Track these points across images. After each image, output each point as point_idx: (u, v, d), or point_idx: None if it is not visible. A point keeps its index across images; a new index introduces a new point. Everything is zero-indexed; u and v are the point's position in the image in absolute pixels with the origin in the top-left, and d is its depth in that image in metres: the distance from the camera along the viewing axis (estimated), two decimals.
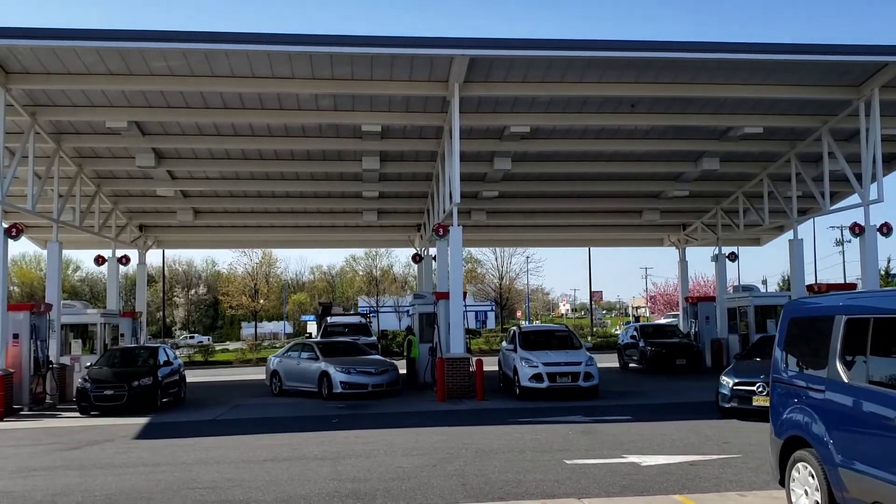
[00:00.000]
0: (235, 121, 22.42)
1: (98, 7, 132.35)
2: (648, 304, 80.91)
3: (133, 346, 26.00)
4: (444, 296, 22.10)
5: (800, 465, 7.30)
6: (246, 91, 20.27)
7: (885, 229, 21.37)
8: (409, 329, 26.75)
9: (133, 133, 22.57)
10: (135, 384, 19.00)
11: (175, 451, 13.03)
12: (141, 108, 21.37)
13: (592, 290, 71.98)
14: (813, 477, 7.04)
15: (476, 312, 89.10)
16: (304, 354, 22.61)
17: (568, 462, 10.97)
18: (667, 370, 27.44)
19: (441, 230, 21.30)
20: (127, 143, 23.52)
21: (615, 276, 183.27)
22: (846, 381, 6.79)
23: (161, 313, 65.72)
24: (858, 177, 21.46)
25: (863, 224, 21.19)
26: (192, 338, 72.71)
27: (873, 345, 6.56)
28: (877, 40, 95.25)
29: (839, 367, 6.91)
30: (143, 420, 17.43)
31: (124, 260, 31.31)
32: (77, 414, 19.02)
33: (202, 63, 18.74)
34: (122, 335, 28.14)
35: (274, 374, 23.35)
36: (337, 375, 20.71)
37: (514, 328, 23.72)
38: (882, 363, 6.54)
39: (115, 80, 19.46)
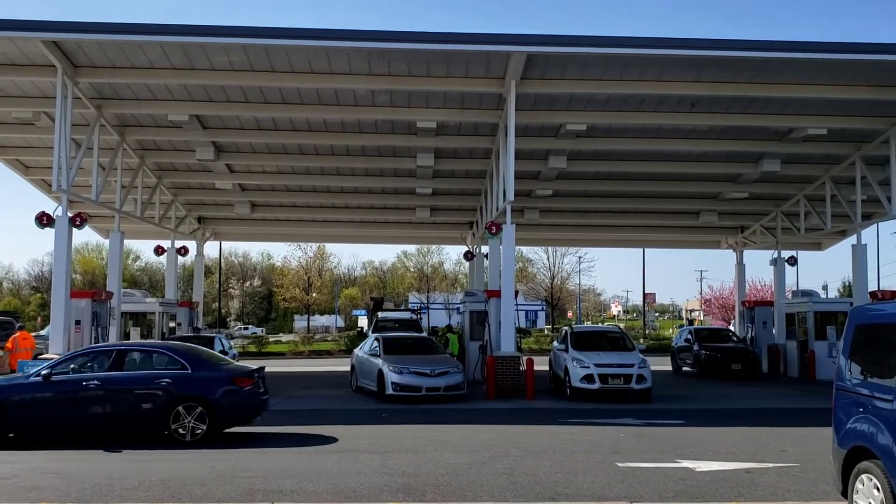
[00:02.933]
0: (293, 116, 22.71)
1: (165, 4, 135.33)
2: (703, 307, 79.49)
3: (190, 334, 26.53)
4: (496, 294, 22.04)
5: (864, 476, 7.06)
6: (304, 86, 20.50)
7: None
8: (449, 326, 26.86)
9: (194, 126, 23.03)
10: None
11: (228, 439, 13.22)
12: (202, 102, 21.79)
13: (646, 292, 70.90)
14: (878, 490, 6.80)
15: (527, 312, 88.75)
16: (374, 349, 20.66)
17: (620, 465, 10.81)
18: (721, 375, 26.88)
19: (494, 228, 21.22)
20: (188, 136, 24.01)
21: (669, 279, 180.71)
22: None
23: (217, 304, 66.92)
24: None
25: None
26: (246, 329, 73.95)
27: None
28: None
29: None
30: None
31: (183, 251, 32.00)
32: None
33: (262, 58, 19.01)
34: (179, 324, 28.78)
35: (353, 369, 21.99)
36: (390, 375, 18.69)
37: (566, 328, 23.53)
38: None
39: (178, 75, 19.87)
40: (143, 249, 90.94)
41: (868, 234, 76.85)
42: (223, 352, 21.35)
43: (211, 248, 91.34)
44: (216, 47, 18.43)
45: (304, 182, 29.09)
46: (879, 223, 35.78)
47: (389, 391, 18.58)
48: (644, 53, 18.50)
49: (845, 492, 7.46)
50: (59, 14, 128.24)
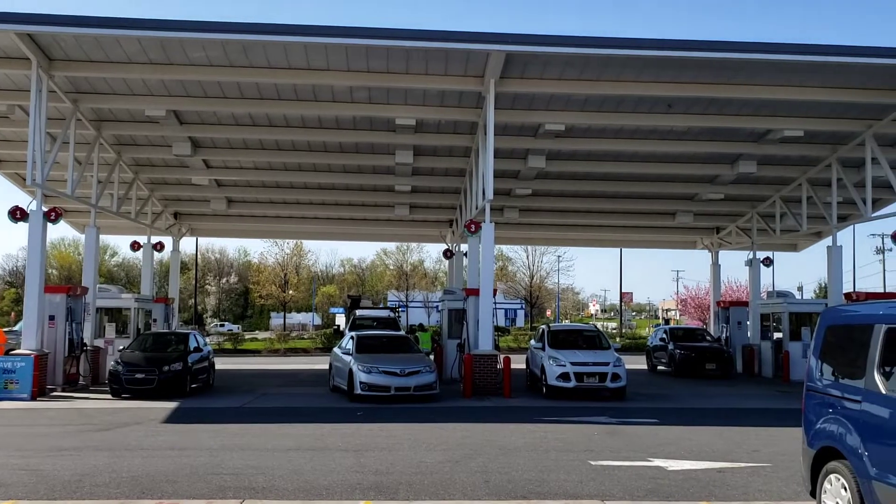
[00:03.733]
0: (270, 111, 22.56)
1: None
2: (679, 307, 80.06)
3: (165, 331, 26.32)
4: (474, 292, 22.05)
5: (832, 476, 7.13)
6: (282, 82, 20.37)
7: None
8: (421, 325, 26.99)
9: (171, 122, 22.81)
10: (165, 369, 19.23)
11: (201, 436, 13.14)
12: (179, 97, 21.58)
13: (623, 291, 71.32)
14: (846, 489, 6.87)
15: (506, 310, 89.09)
16: (347, 347, 20.32)
17: (593, 463, 10.86)
18: (696, 375, 27.10)
19: (473, 227, 21.23)
20: (164, 131, 23.79)
21: (646, 278, 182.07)
22: (884, 392, 6.61)
23: (193, 300, 66.42)
24: None
25: None
26: (222, 326, 73.50)
27: None
28: None
29: (877, 377, 6.73)
30: (171, 405, 17.62)
31: (159, 246, 31.71)
32: (109, 396, 19.31)
33: (240, 54, 18.87)
34: (155, 320, 28.53)
35: (330, 367, 21.59)
36: (359, 374, 18.28)
37: (543, 326, 23.60)
38: None
39: (155, 70, 19.67)
40: (120, 245, 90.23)
41: (844, 235, 77.86)
42: (197, 348, 21.23)
43: (188, 244, 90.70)
44: (194, 43, 18.26)
45: (281, 178, 28.93)
46: (855, 225, 36.27)
47: (358, 391, 18.22)
48: (622, 54, 18.56)
49: (814, 492, 7.53)
50: (35, 6, 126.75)
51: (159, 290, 55.13)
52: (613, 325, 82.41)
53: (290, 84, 20.61)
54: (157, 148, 25.77)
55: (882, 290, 49.23)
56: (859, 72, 19.43)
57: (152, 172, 28.32)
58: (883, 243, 62.07)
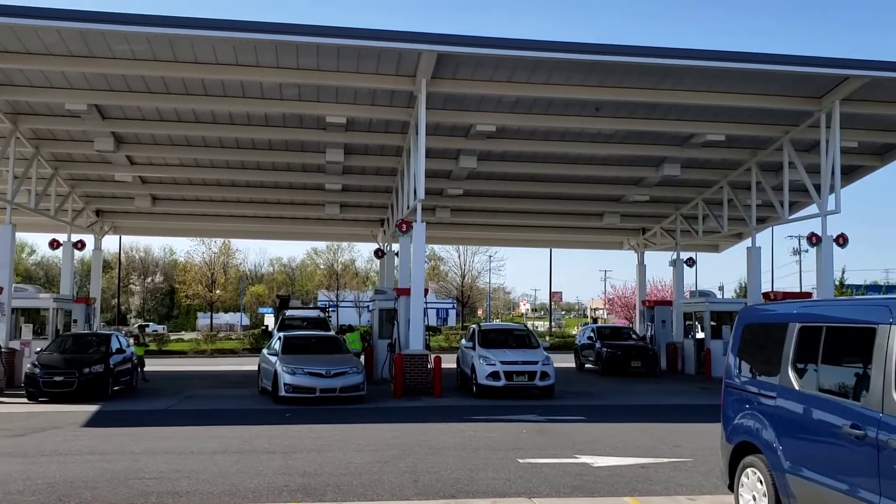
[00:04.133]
0: (197, 107, 22.06)
1: None
2: (606, 306, 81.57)
3: (85, 332, 25.49)
4: (405, 292, 22.02)
5: (749, 470, 7.37)
6: (209, 77, 19.95)
7: (842, 240, 21.81)
8: (350, 326, 26.99)
9: (93, 116, 22.07)
10: (85, 371, 18.64)
11: (123, 440, 12.78)
12: (101, 91, 20.91)
13: (552, 290, 72.27)
14: (761, 483, 7.10)
15: (437, 310, 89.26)
16: (274, 348, 20.01)
17: (521, 461, 10.97)
18: (622, 372, 27.66)
19: (404, 226, 21.20)
20: (86, 126, 23.02)
21: (575, 278, 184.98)
22: (797, 388, 6.86)
23: (116, 300, 64.52)
24: (817, 187, 21.86)
25: (820, 234, 21.60)
26: (146, 326, 71.50)
27: (825, 353, 6.64)
28: (840, 55, 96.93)
29: (791, 374, 6.98)
30: (92, 408, 17.10)
31: (80, 245, 30.66)
32: (25, 400, 18.60)
33: (165, 48, 18.40)
34: (75, 321, 27.60)
35: (259, 369, 21.18)
36: (283, 376, 17.95)
37: (474, 326, 23.75)
38: (832, 371, 6.64)
39: (76, 63, 18.99)
40: (38, 243, 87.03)
41: (763, 237, 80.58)
42: (120, 350, 20.64)
43: (111, 243, 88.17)
44: (117, 35, 17.69)
45: (208, 175, 28.33)
46: (773, 227, 37.57)
47: (282, 392, 17.88)
48: (550, 57, 18.82)
49: (732, 486, 7.76)
50: None
51: (80, 289, 53.46)
52: (544, 323, 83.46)
53: (217, 80, 20.20)
54: (79, 143, 24.90)
55: (798, 290, 51.14)
56: (779, 79, 20.16)
57: (73, 168, 27.35)
58: (800, 244, 64.37)
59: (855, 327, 6.41)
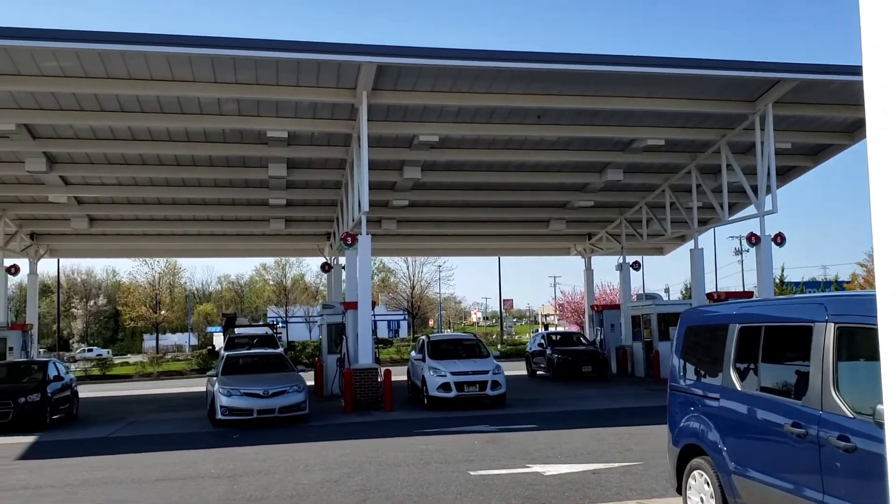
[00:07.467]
0: (133, 124, 21.52)
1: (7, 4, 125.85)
2: (557, 312, 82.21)
3: (20, 360, 24.63)
4: (353, 306, 21.75)
5: (696, 472, 7.36)
6: (144, 94, 19.46)
7: (779, 239, 22.27)
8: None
9: (22, 136, 21.39)
10: (21, 401, 17.92)
11: (60, 471, 12.29)
12: (31, 110, 20.25)
13: (503, 298, 72.64)
14: (708, 484, 7.10)
15: (388, 322, 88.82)
16: (216, 369, 19.38)
17: (472, 473, 10.85)
18: (573, 378, 27.78)
19: (349, 239, 20.99)
20: (16, 146, 22.30)
21: (526, 285, 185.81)
22: (739, 388, 6.88)
23: (56, 325, 62.67)
24: (755, 188, 22.31)
25: (758, 234, 22.03)
26: (90, 350, 69.65)
27: (765, 353, 6.68)
28: (772, 59, 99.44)
29: (733, 374, 6.99)
30: (29, 439, 16.44)
31: (13, 269, 29.76)
32: None
33: (96, 64, 17.91)
34: (11, 349, 26.68)
35: (206, 392, 20.45)
36: (219, 398, 17.24)
37: (423, 337, 23.59)
38: (772, 370, 6.67)
39: (3, 81, 18.36)
40: None
41: (705, 238, 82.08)
42: (58, 377, 19.96)
43: (49, 266, 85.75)
44: (44, 51, 17.15)
45: (147, 194, 27.69)
46: (715, 228, 38.26)
47: (219, 415, 17.15)
48: (490, 66, 18.85)
49: (680, 488, 7.75)
50: None
51: (17, 315, 51.82)
52: (494, 332, 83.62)
53: (153, 96, 19.72)
54: (8, 164, 24.10)
55: (741, 289, 52.21)
56: (711, 84, 20.55)
57: (4, 191, 26.46)
58: (741, 244, 65.74)
59: (792, 326, 6.45)
